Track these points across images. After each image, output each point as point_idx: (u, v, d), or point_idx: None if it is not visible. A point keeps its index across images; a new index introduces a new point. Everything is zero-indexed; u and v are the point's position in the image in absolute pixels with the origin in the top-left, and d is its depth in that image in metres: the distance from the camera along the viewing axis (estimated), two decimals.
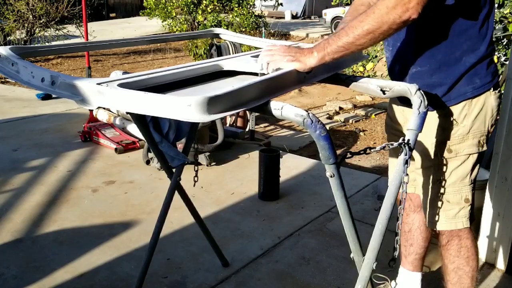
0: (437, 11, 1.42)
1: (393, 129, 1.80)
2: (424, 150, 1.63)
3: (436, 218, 1.67)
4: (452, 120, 1.55)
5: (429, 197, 1.68)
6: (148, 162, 3.79)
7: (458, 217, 1.64)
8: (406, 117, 1.68)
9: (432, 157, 1.61)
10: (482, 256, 2.43)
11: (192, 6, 9.92)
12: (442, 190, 1.63)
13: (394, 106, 1.77)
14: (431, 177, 1.65)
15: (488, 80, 1.53)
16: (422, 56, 1.53)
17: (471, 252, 1.69)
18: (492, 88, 1.55)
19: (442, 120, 1.56)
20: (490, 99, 1.55)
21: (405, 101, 1.49)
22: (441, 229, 1.68)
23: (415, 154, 1.67)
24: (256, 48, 1.85)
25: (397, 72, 1.63)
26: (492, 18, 1.51)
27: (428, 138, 1.59)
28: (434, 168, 1.62)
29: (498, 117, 1.63)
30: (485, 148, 1.60)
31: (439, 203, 1.65)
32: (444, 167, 1.60)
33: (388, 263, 1.40)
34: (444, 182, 1.62)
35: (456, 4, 1.42)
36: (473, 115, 1.54)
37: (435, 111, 1.56)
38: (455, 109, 1.54)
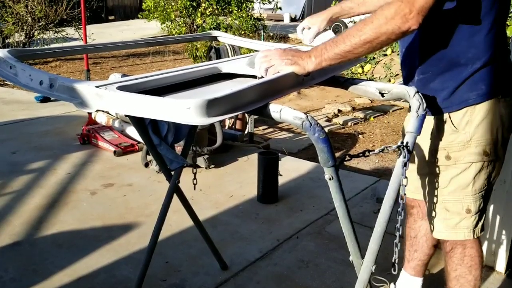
0: (437, 18, 1.38)
1: None
2: (423, 156, 1.60)
3: (437, 226, 1.63)
4: (452, 127, 1.50)
5: (429, 203, 1.64)
6: (147, 165, 3.78)
7: (459, 228, 1.59)
8: None
9: (431, 163, 1.57)
10: None
11: (191, 8, 9.93)
12: (441, 198, 1.58)
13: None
14: (432, 184, 1.61)
15: (496, 86, 1.47)
16: (426, 63, 1.52)
17: (475, 261, 1.64)
18: (501, 95, 1.49)
19: (443, 126, 1.52)
20: (497, 106, 1.49)
21: None
22: (440, 238, 1.65)
23: (417, 159, 1.65)
24: (256, 50, 1.85)
25: (405, 77, 1.63)
26: (502, 24, 1.45)
27: (428, 144, 1.56)
28: (434, 175, 1.58)
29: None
30: (492, 157, 1.53)
31: (439, 211, 1.60)
32: (443, 174, 1.56)
33: (392, 268, 1.39)
34: (443, 189, 1.57)
35: (456, 10, 1.38)
36: (476, 122, 1.48)
37: (436, 117, 1.53)
38: (457, 115, 1.49)
